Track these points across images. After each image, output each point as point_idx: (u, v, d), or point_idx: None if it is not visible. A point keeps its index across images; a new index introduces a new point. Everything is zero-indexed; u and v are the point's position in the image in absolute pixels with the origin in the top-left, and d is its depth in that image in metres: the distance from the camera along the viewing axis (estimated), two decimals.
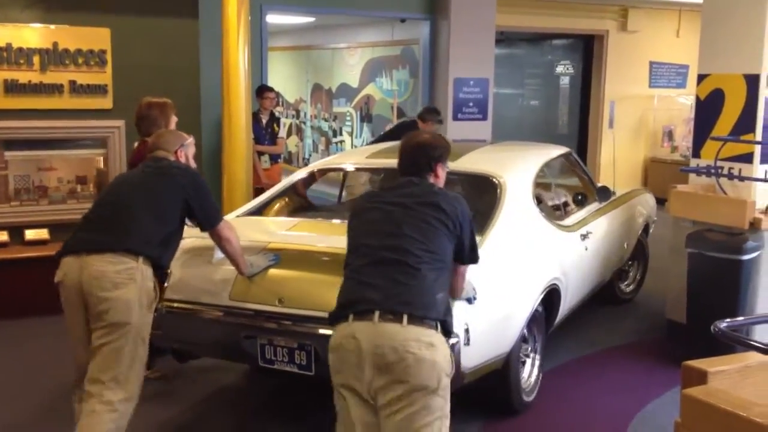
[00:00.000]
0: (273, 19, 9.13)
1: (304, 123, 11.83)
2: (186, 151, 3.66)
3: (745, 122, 5.12)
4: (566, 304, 4.59)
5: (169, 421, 4.18)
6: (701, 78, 5.42)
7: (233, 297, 3.73)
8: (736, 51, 5.16)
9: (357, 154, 5.40)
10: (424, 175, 3.11)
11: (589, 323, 5.43)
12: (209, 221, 3.53)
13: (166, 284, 3.84)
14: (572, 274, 4.59)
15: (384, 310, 2.73)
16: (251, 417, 4.28)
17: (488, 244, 3.80)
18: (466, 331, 3.39)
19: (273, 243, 3.89)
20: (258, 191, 6.86)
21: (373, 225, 2.98)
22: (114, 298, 3.23)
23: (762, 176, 5.08)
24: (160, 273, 3.52)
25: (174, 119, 4.50)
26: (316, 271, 3.71)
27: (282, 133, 7.62)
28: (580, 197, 5.37)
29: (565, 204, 5.17)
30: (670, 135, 11.26)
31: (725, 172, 5.20)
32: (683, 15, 11.18)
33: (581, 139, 11.14)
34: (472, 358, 3.49)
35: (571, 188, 5.57)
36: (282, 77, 11.81)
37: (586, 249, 4.87)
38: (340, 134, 10.97)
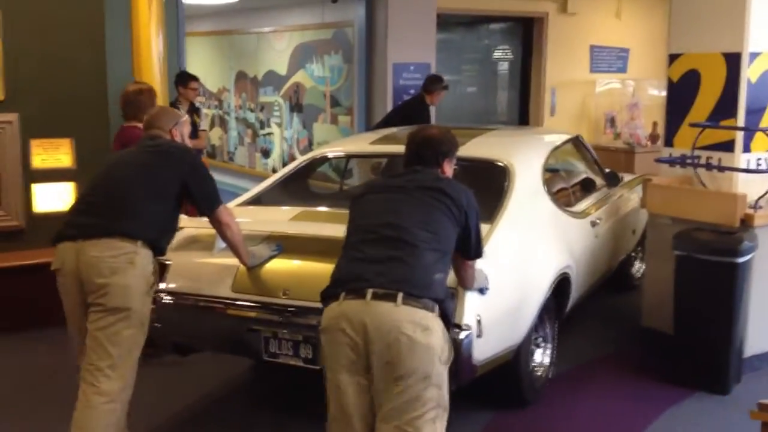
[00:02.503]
0: (193, 0, 8.37)
1: (228, 114, 11.02)
2: (181, 130, 3.57)
3: (725, 106, 4.63)
4: (576, 293, 4.49)
5: (176, 415, 4.08)
6: (673, 58, 4.92)
7: (236, 289, 3.63)
8: (714, 27, 4.66)
9: (359, 141, 5.24)
10: (430, 168, 3.01)
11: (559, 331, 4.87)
12: (208, 204, 3.41)
13: (165, 275, 3.76)
14: (583, 262, 4.50)
15: (377, 288, 2.62)
16: (257, 409, 4.16)
17: (499, 232, 3.67)
18: (479, 322, 3.27)
19: (276, 232, 3.80)
20: None
21: (373, 206, 2.93)
22: (112, 284, 3.15)
23: (745, 166, 4.60)
24: (159, 257, 3.41)
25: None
26: (321, 260, 3.52)
27: (204, 125, 6.84)
28: (588, 183, 5.24)
29: (574, 190, 5.04)
30: (612, 121, 10.87)
31: (703, 162, 4.72)
32: None
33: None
34: (485, 350, 3.37)
35: (580, 173, 5.40)
36: (202, 65, 10.99)
37: (596, 236, 4.79)
38: (268, 125, 10.24)
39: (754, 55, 4.53)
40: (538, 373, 4.13)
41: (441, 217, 2.82)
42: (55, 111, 5.65)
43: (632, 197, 5.73)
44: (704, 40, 4.70)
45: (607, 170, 5.50)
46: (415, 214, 2.80)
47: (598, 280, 5.03)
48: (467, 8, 9.66)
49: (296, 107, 9.61)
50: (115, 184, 3.33)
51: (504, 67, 10.96)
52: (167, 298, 3.71)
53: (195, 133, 6.72)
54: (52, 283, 3.38)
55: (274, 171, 10.07)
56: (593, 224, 4.79)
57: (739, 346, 4.25)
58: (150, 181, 3.32)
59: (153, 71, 5.36)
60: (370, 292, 2.62)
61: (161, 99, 5.46)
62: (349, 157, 5.20)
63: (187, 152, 3.49)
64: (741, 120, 4.57)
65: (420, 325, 2.59)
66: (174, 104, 6.52)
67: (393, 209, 2.84)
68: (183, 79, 6.63)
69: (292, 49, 9.56)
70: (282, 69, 9.77)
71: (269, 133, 10.25)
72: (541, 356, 4.17)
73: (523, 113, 10.81)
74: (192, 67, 10.34)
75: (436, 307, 2.67)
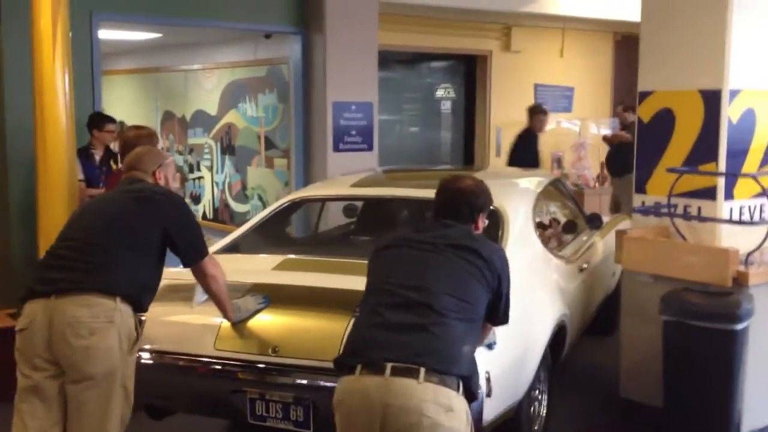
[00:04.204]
0: (112, 35, 7.69)
1: None
2: (165, 172, 3.32)
3: (704, 149, 4.21)
4: (569, 340, 4.26)
5: None
6: (643, 96, 4.50)
7: (219, 346, 3.37)
8: (690, 62, 4.25)
9: (339, 184, 4.96)
10: (464, 223, 2.84)
11: None
12: (193, 255, 3.18)
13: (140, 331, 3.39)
14: (575, 308, 4.31)
15: (397, 362, 2.45)
16: None
17: None
18: (488, 380, 3.06)
19: (261, 282, 3.56)
20: None
21: (398, 264, 2.74)
22: (92, 346, 2.89)
23: (728, 215, 4.15)
24: (138, 314, 3.11)
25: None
26: (314, 313, 3.38)
27: None
28: (572, 226, 5.07)
29: (561, 234, 4.87)
30: (559, 162, 10.53)
31: (681, 210, 4.27)
32: (566, 34, 10.55)
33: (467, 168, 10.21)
34: (493, 409, 3.16)
35: (564, 216, 5.23)
36: (126, 104, 10.26)
37: (584, 281, 4.62)
38: (198, 169, 9.55)
39: (734, 93, 4.12)
40: (535, 427, 3.88)
41: (472, 282, 2.64)
42: None
43: (611, 240, 5.49)
44: (679, 77, 4.29)
45: (589, 213, 5.41)
46: (445, 278, 2.61)
47: (585, 326, 4.87)
48: (408, 45, 9.28)
49: (228, 149, 8.98)
50: (88, 235, 3.06)
51: (447, 105, 10.56)
52: (142, 357, 3.41)
53: (111, 181, 6.02)
54: None
55: (204, 218, 9.38)
56: (581, 269, 4.61)
57: (738, 422, 3.75)
58: (128, 231, 3.05)
59: (57, 111, 4.66)
60: (389, 366, 2.44)
61: (69, 142, 4.79)
62: (329, 200, 5.02)
63: (171, 198, 3.21)
64: (722, 164, 4.15)
65: (443, 406, 2.42)
66: (87, 149, 5.84)
67: (421, 270, 2.65)
68: (98, 122, 5.92)
69: (222, 88, 8.95)
70: (212, 109, 9.14)
71: (199, 177, 9.57)
72: (538, 408, 3.92)
73: (468, 153, 10.43)
74: (115, 107, 9.58)
75: (461, 385, 2.50)
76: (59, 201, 4.72)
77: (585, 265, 4.68)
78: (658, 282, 4.04)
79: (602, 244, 5.30)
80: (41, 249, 4.75)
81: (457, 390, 2.48)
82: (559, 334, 3.96)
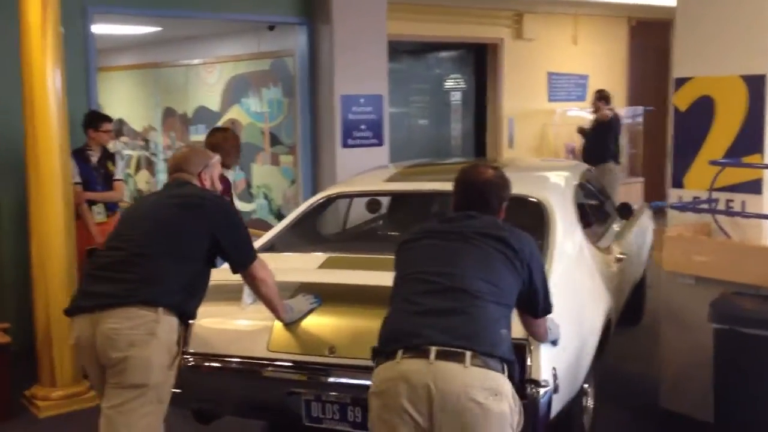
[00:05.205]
0: (109, 30, 7.39)
1: (156, 155, 9.98)
2: (210, 173, 3.27)
3: (748, 139, 3.91)
4: (612, 331, 4.10)
5: None
6: (680, 83, 4.18)
7: (273, 347, 3.31)
8: (731, 46, 3.94)
9: (373, 179, 4.84)
10: (489, 214, 2.81)
11: None
12: (242, 261, 3.13)
13: (187, 334, 3.31)
14: (615, 300, 4.19)
15: (441, 345, 2.40)
16: None
17: (553, 276, 3.31)
18: (554, 376, 2.99)
19: (311, 282, 3.52)
20: (91, 253, 5.16)
21: (427, 253, 2.71)
22: (130, 357, 2.86)
23: None
24: (185, 322, 3.09)
25: None
26: (369, 312, 3.21)
27: (120, 173, 5.81)
28: (605, 216, 5.00)
29: (596, 225, 4.70)
30: (573, 153, 10.21)
31: (722, 206, 3.96)
32: (579, 21, 10.22)
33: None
34: (557, 404, 3.06)
35: (597, 207, 5.07)
36: (126, 101, 9.99)
37: (622, 272, 4.52)
38: None
39: None
40: (584, 420, 3.75)
41: (502, 268, 2.60)
42: None
43: (640, 229, 5.52)
44: (719, 61, 3.98)
45: (620, 202, 5.35)
46: (475, 264, 2.59)
47: (619, 316, 4.72)
48: (415, 34, 8.96)
49: None
50: (133, 245, 2.99)
51: (457, 97, 10.25)
52: (190, 361, 3.37)
53: (109, 183, 5.73)
54: None
55: None
56: (618, 260, 4.49)
57: None
58: (176, 241, 2.99)
59: (49, 111, 4.37)
60: (433, 350, 2.38)
61: (62, 144, 4.49)
62: (364, 196, 4.94)
63: (219, 203, 3.15)
64: None
65: (491, 391, 2.37)
66: (83, 150, 5.54)
67: (451, 258, 2.62)
68: (94, 121, 5.62)
69: (225, 83, 8.65)
70: (214, 104, 8.84)
71: None
72: (587, 401, 3.79)
73: (480, 145, 10.13)
74: (113, 105, 9.29)
75: (506, 368, 2.46)
76: (52, 206, 4.45)
77: (622, 256, 4.57)
78: (701, 284, 3.74)
79: (633, 233, 5.22)
80: (34, 258, 4.48)
81: (503, 372, 2.44)
82: (607, 325, 3.86)
